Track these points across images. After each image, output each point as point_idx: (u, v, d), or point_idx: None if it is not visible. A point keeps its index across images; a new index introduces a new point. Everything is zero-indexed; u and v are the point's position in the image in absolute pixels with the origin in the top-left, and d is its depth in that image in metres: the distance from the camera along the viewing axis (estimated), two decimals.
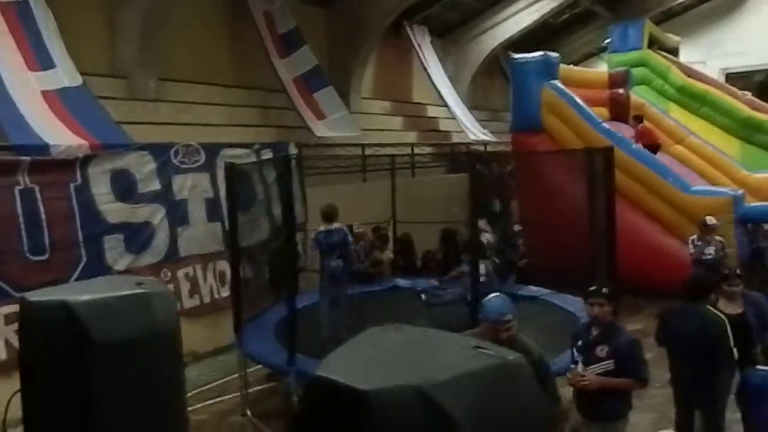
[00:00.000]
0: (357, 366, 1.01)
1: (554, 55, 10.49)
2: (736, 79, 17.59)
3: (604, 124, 9.85)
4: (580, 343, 3.72)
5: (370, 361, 1.04)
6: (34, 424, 1.64)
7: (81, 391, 1.53)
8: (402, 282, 7.52)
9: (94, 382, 1.53)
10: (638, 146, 9.70)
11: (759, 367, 3.65)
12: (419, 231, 9.79)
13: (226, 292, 7.51)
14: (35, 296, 1.63)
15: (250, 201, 6.78)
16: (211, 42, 9.68)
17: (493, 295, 3.38)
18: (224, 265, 7.53)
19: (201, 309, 7.27)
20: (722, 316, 4.22)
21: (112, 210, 6.41)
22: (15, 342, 5.60)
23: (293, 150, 8.64)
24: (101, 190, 6.31)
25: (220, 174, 7.55)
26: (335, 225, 6.08)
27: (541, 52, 10.46)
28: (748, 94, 14.50)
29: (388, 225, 8.11)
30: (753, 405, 3.56)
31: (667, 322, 4.49)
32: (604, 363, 3.58)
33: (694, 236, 7.68)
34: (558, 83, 10.25)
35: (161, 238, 6.87)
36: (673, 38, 16.00)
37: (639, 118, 11.48)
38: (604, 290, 3.67)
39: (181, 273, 7.06)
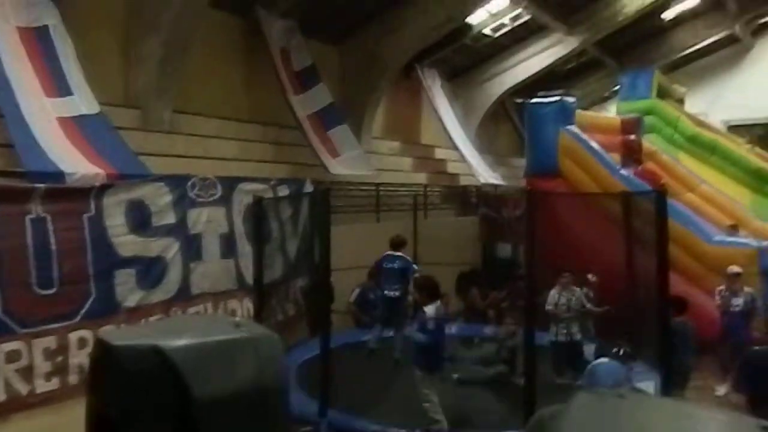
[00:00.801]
0: None
1: (571, 99, 10.44)
2: (737, 131, 17.74)
3: (623, 171, 9.71)
4: None
5: None
6: None
7: None
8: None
9: None
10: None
11: None
12: (434, 273, 9.53)
13: None
14: (118, 338, 1.34)
15: (274, 237, 6.50)
16: (226, 76, 9.58)
17: (602, 360, 3.00)
18: (236, 304, 7.22)
19: None
20: None
21: (125, 243, 6.09)
22: (15, 383, 5.22)
23: (309, 187, 8.41)
24: (115, 221, 6.00)
25: (236, 208, 7.32)
26: (399, 253, 6.07)
27: (557, 96, 10.40)
28: (749, 146, 14.61)
29: None
30: None
31: (755, 369, 4.33)
32: None
33: (722, 287, 7.47)
34: (575, 128, 10.17)
35: (174, 274, 6.53)
36: (679, 89, 16.17)
37: (638, 161, 11.40)
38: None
39: (191, 312, 6.70)
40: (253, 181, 7.64)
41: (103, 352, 1.36)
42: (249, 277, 7.26)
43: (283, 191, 8.00)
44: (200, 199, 6.92)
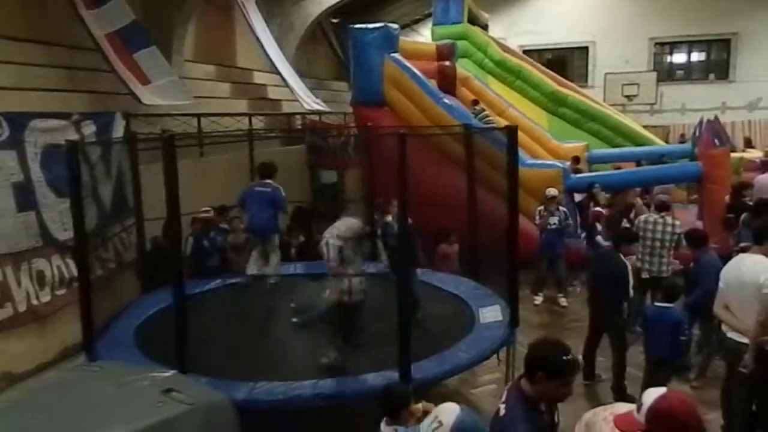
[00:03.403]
0: None
1: (394, 26, 10.31)
2: (530, 55, 19.36)
3: (446, 100, 9.99)
4: None
5: None
6: None
7: None
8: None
9: None
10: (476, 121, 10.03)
11: None
12: None
13: (46, 297, 6.20)
14: None
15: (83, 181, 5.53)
16: None
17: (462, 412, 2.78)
18: (43, 264, 6.18)
19: (15, 320, 5.85)
20: None
21: None
22: None
23: (120, 121, 7.32)
24: None
25: (31, 151, 6.12)
26: (267, 181, 6.21)
27: (380, 23, 10.20)
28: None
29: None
30: None
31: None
32: None
33: (541, 207, 8.21)
34: (399, 56, 10.12)
35: None
36: (483, 15, 16.96)
37: (453, 87, 12.02)
38: None
39: None
40: (49, 117, 6.40)
41: None
42: (57, 232, 6.24)
43: (89, 127, 6.86)
44: None
